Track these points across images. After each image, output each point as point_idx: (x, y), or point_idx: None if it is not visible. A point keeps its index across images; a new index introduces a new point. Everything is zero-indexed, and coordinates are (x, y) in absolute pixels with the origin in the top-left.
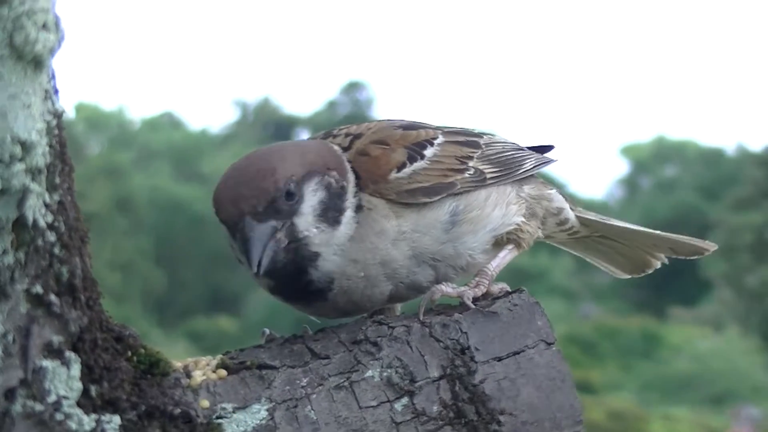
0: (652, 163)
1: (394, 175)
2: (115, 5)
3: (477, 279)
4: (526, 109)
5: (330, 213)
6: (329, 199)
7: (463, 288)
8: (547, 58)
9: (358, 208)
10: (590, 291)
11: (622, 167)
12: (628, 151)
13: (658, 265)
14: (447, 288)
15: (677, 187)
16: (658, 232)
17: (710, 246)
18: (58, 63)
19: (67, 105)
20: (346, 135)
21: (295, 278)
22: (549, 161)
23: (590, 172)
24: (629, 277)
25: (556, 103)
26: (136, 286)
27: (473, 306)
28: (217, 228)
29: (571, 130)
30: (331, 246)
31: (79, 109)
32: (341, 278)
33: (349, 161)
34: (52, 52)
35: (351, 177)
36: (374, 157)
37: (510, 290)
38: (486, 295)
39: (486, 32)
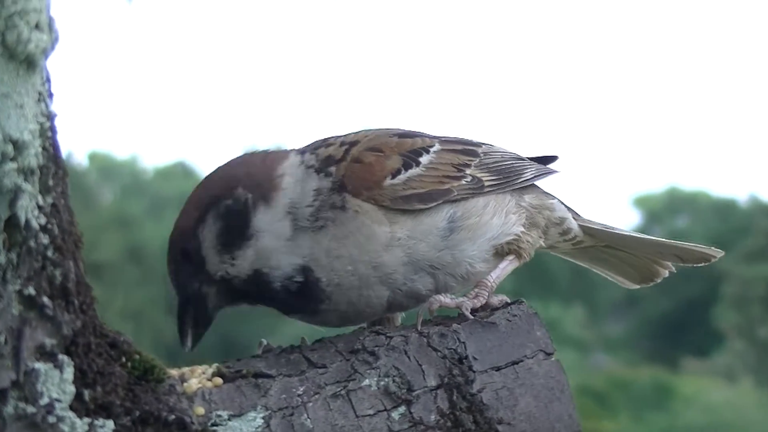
0: (665, 213)
1: (388, 181)
2: (129, 55)
3: (476, 290)
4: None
5: (234, 236)
6: (229, 224)
7: (461, 299)
8: (559, 109)
9: (338, 207)
10: (602, 341)
11: (634, 218)
12: (641, 202)
13: (666, 274)
14: (445, 299)
15: (689, 237)
16: (663, 239)
17: (717, 252)
18: (75, 108)
19: (80, 153)
20: (342, 144)
21: (266, 298)
22: (551, 172)
23: (603, 221)
24: (638, 287)
25: (568, 153)
26: (147, 335)
27: (472, 317)
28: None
29: (583, 181)
30: (266, 253)
31: (93, 158)
32: (326, 273)
33: (321, 166)
34: (45, 52)
35: (293, 179)
36: (368, 164)
37: (509, 301)
38: (485, 307)
39: (498, 82)
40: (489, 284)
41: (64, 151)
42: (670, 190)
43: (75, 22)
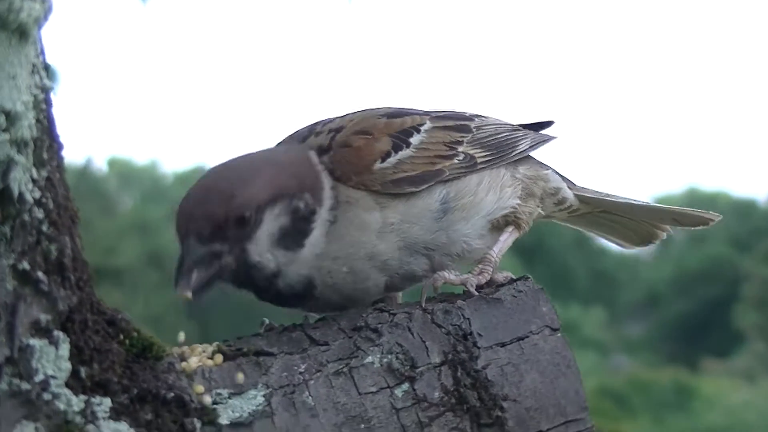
0: None
1: (378, 165)
2: (148, 61)
3: (480, 266)
4: (555, 162)
5: (292, 238)
6: (293, 223)
7: (466, 275)
8: (577, 109)
9: (335, 205)
10: (622, 343)
11: None
12: (661, 203)
13: (664, 236)
14: (450, 275)
15: (709, 239)
16: (660, 205)
17: (714, 216)
18: (95, 114)
19: (100, 159)
20: (329, 132)
21: (262, 290)
22: (547, 139)
23: (597, 188)
24: (636, 248)
25: (586, 155)
26: (167, 340)
27: (476, 293)
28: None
29: (603, 183)
30: (294, 264)
31: (112, 164)
32: (321, 276)
33: (327, 165)
34: (37, 22)
35: (327, 185)
36: (356, 148)
37: (514, 277)
38: (490, 283)
39: (519, 88)
40: (492, 259)
41: (83, 156)
42: (689, 190)
43: (94, 28)
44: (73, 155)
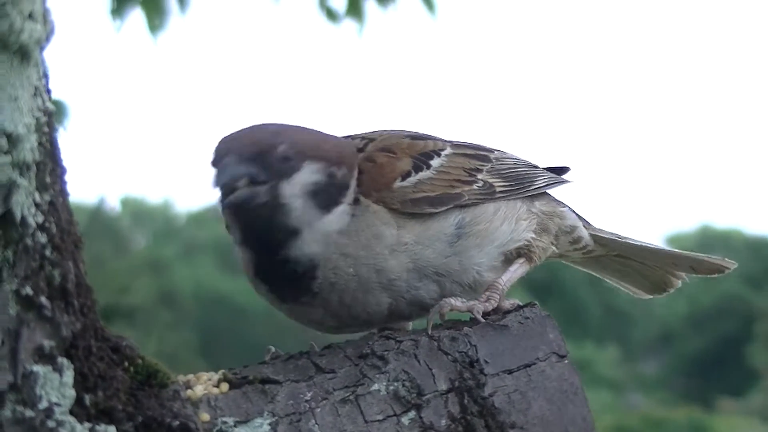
0: (698, 252)
1: (398, 183)
2: (161, 100)
3: (488, 293)
4: (567, 199)
5: (322, 198)
6: (326, 186)
7: (473, 302)
8: (589, 146)
9: (356, 201)
10: (636, 381)
11: None
12: (674, 241)
13: (679, 284)
14: (456, 302)
15: (722, 276)
16: (676, 250)
17: (730, 264)
18: (108, 154)
19: (113, 199)
20: (362, 138)
21: (273, 250)
22: (563, 182)
23: (614, 230)
24: (650, 297)
25: (598, 193)
26: None
27: (483, 320)
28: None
29: (616, 221)
30: (314, 229)
31: (125, 203)
32: (327, 267)
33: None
34: (39, 43)
35: (353, 181)
36: (379, 165)
37: (522, 304)
38: (497, 310)
39: (529, 124)
40: (500, 287)
41: (97, 195)
42: (702, 228)
43: (108, 67)
44: (86, 194)
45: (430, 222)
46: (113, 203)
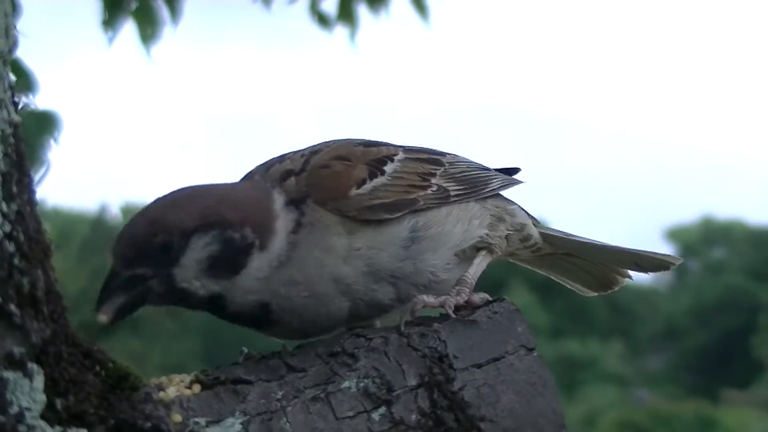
0: (700, 245)
1: (354, 191)
2: (162, 107)
3: (457, 288)
4: (566, 192)
5: (223, 267)
6: (224, 253)
7: (444, 297)
8: (587, 139)
9: (298, 227)
10: (642, 377)
11: (668, 251)
12: (675, 235)
13: (624, 282)
14: (429, 298)
15: (725, 269)
16: (621, 246)
17: (675, 260)
18: (108, 161)
19: (113, 206)
20: (301, 156)
21: (214, 312)
22: (516, 182)
23: (561, 229)
24: (595, 295)
25: (598, 185)
26: None
27: (454, 315)
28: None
29: (615, 215)
30: (237, 288)
31: (126, 211)
32: (277, 300)
33: (291, 194)
34: (2, 56)
35: (283, 215)
36: (336, 172)
37: (491, 299)
38: (468, 304)
39: (532, 116)
40: (468, 281)
41: (98, 203)
42: (704, 221)
43: (106, 76)
44: (86, 202)
45: (383, 227)
46: (114, 210)
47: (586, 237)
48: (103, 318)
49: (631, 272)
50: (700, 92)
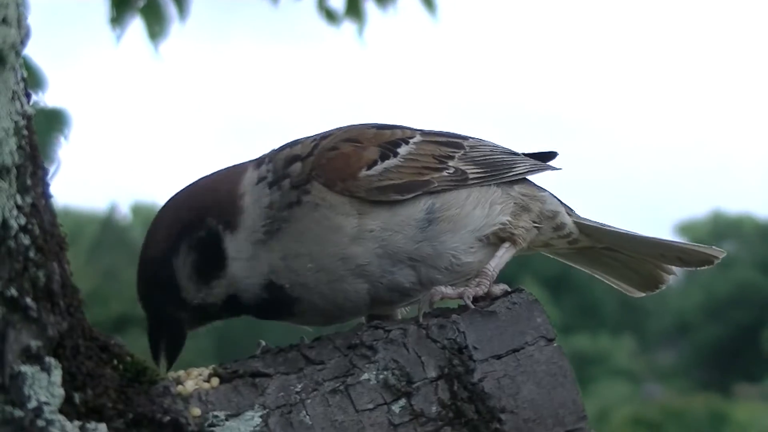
0: (710, 240)
1: (363, 173)
2: (172, 105)
3: (478, 279)
4: (577, 189)
5: (210, 267)
6: (203, 255)
7: (462, 288)
8: (598, 137)
9: (292, 205)
10: (653, 372)
11: None
12: (685, 230)
13: (670, 280)
14: (447, 289)
15: (736, 264)
16: (663, 239)
17: (719, 253)
18: (119, 161)
19: (124, 206)
20: (312, 141)
21: (235, 312)
22: (547, 168)
23: (598, 220)
24: (642, 295)
25: (609, 182)
26: None
27: (473, 306)
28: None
29: (626, 210)
30: (237, 279)
31: (136, 210)
32: (285, 276)
33: (298, 172)
34: (14, 47)
35: (248, 199)
36: (345, 154)
37: (510, 290)
38: (487, 296)
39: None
40: (489, 273)
41: (108, 202)
42: (714, 214)
43: (115, 73)
44: (96, 201)
45: (397, 208)
46: (124, 210)
47: (625, 229)
48: (168, 369)
49: (675, 268)
50: (710, 89)
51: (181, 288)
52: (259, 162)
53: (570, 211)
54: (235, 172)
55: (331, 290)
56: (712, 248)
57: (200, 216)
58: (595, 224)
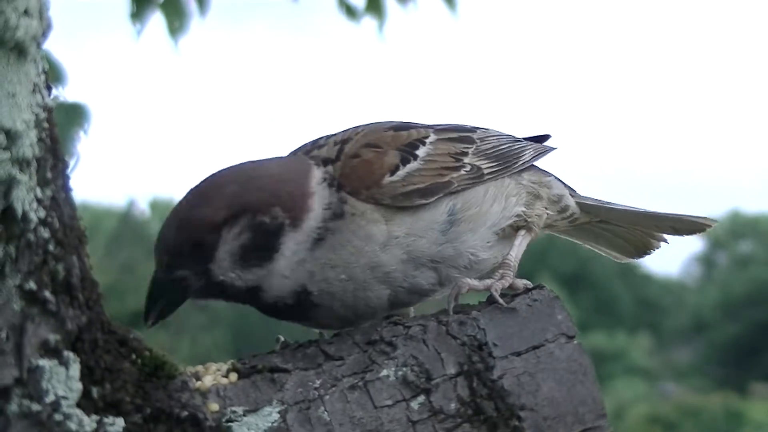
0: (728, 239)
1: (387, 179)
2: (189, 101)
3: (501, 271)
4: (595, 186)
5: (257, 255)
6: (257, 240)
7: (489, 280)
8: (614, 134)
9: (335, 216)
10: (669, 370)
11: (697, 244)
12: None
13: (659, 246)
14: (473, 282)
15: (753, 262)
16: (658, 211)
17: (710, 221)
18: (137, 157)
19: (143, 202)
20: (335, 143)
21: (252, 304)
22: (549, 150)
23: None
24: (631, 260)
25: (626, 181)
26: None
27: (500, 300)
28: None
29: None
30: (274, 275)
31: (154, 206)
32: (316, 284)
33: (331, 176)
34: (35, 39)
35: (322, 196)
36: (367, 161)
37: (531, 286)
38: (511, 287)
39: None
40: (511, 264)
41: (126, 197)
42: (732, 214)
43: (135, 68)
44: (115, 197)
45: (421, 213)
46: (142, 205)
47: (623, 204)
48: (150, 325)
49: (667, 236)
50: (727, 90)
51: (215, 259)
52: (316, 161)
53: (573, 192)
54: (300, 166)
55: (354, 298)
56: (705, 217)
57: (269, 202)
58: (596, 203)
